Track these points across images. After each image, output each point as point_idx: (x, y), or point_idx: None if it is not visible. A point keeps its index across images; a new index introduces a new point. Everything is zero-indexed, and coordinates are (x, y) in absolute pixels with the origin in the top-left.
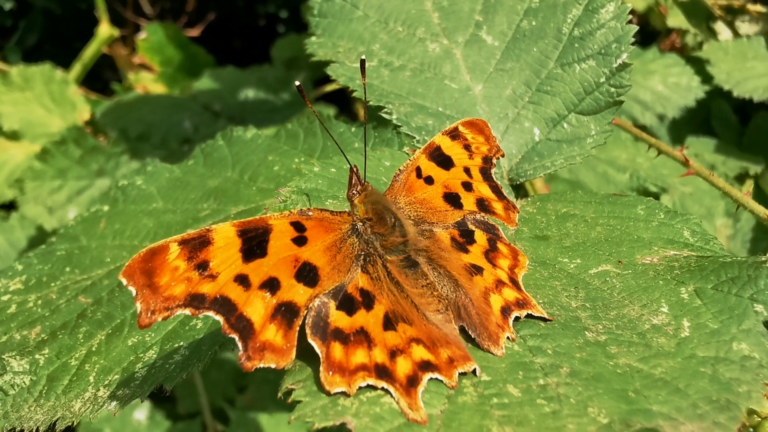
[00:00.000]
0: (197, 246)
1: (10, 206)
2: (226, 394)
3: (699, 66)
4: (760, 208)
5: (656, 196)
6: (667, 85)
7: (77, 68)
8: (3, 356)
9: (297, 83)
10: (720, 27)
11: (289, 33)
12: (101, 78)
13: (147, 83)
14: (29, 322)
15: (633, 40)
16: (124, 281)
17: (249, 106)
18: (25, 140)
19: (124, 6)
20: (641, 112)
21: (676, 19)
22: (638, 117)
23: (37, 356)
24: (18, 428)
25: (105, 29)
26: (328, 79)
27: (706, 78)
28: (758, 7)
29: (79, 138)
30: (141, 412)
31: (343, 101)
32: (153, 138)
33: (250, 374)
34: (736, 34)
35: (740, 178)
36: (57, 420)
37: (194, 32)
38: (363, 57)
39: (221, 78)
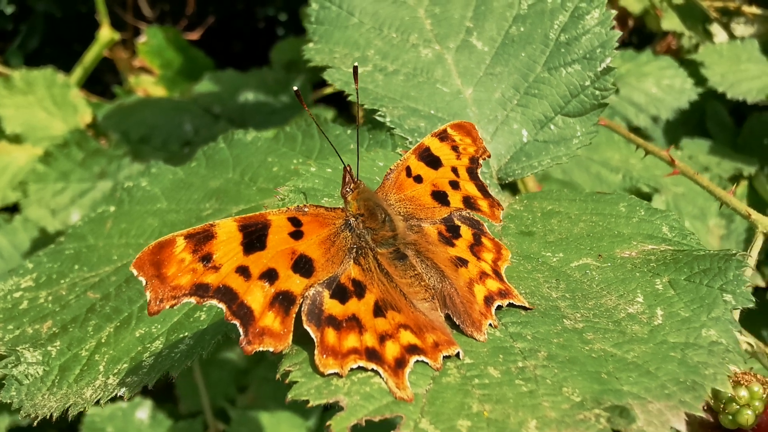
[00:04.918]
0: (202, 240)
1: (14, 209)
2: (227, 393)
3: (694, 68)
4: (742, 206)
5: (649, 197)
6: (660, 87)
7: (78, 72)
8: (17, 348)
9: (295, 88)
10: (716, 29)
11: (289, 36)
12: (102, 81)
13: (147, 86)
14: (41, 316)
15: (617, 45)
16: (135, 272)
17: (249, 108)
18: (28, 143)
19: (124, 9)
20: (635, 114)
21: (671, 22)
22: (632, 119)
23: (49, 348)
24: (32, 415)
25: (106, 33)
26: (326, 83)
27: (701, 80)
28: (753, 9)
29: (81, 141)
30: (143, 411)
31: (342, 104)
32: (154, 140)
33: (251, 374)
34: (732, 36)
35: (734, 180)
36: (69, 406)
37: (194, 35)
38: (356, 64)
39: (221, 81)
